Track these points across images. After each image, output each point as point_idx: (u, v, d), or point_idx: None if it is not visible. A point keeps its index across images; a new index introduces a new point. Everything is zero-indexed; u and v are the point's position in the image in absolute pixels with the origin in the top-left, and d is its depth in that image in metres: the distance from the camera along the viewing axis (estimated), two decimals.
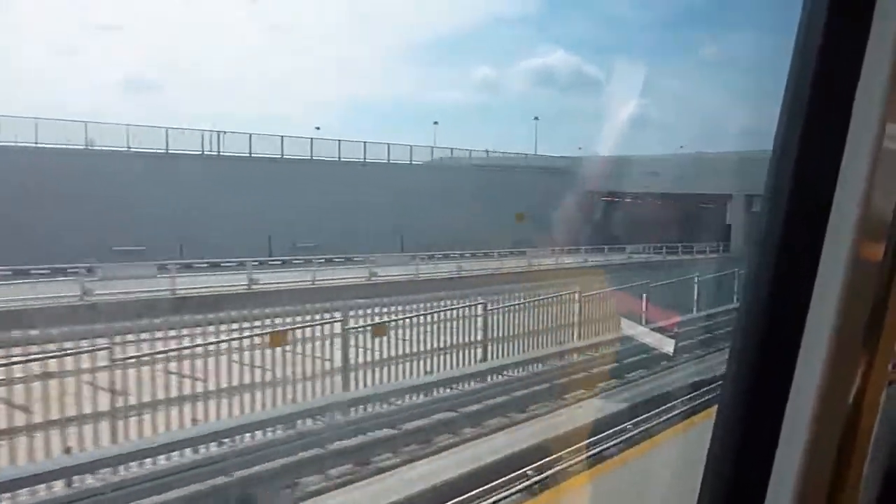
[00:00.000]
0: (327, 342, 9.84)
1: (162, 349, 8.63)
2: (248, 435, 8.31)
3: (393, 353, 10.63)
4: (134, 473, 7.14)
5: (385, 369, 10.44)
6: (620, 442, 9.61)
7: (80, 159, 29.39)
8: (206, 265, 28.23)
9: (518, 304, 13.24)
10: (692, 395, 11.12)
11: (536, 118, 49.96)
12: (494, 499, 7.11)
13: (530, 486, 7.74)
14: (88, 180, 28.13)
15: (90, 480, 6.85)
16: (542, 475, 7.84)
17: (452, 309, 12.15)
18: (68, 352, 7.73)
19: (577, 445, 9.20)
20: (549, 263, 30.87)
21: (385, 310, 12.86)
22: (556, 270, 27.77)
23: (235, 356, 9.08)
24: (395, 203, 35.31)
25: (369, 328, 10.21)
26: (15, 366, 7.47)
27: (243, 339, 9.21)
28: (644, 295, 16.11)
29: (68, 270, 21.60)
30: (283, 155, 36.34)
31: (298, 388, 9.25)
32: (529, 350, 12.95)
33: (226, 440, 7.97)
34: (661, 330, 14.85)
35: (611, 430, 9.92)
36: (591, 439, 9.57)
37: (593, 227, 39.47)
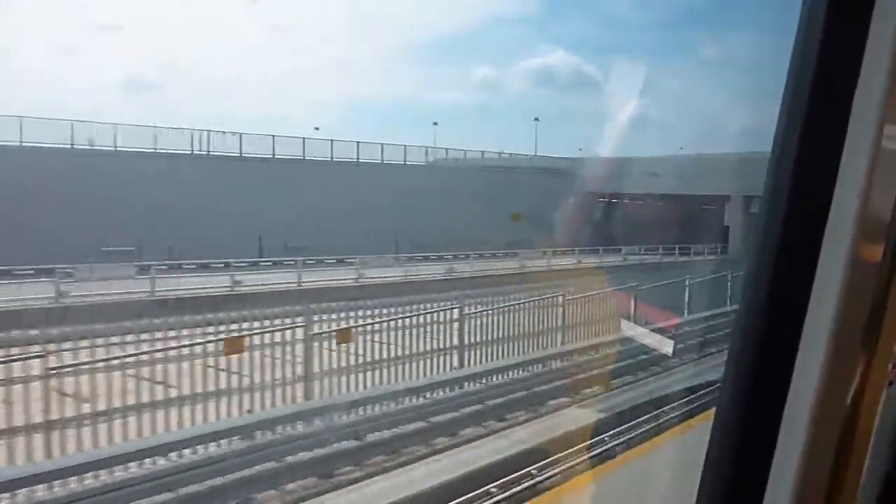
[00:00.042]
0: (291, 348, 9.35)
1: (104, 357, 8.14)
2: (201, 447, 7.84)
3: (362, 359, 10.13)
4: (70, 490, 6.68)
5: (352, 377, 9.93)
6: (600, 454, 9.25)
7: (66, 159, 28.97)
8: (195, 266, 27.84)
9: (498, 307, 12.74)
10: (678, 403, 10.69)
11: (536, 119, 49.68)
12: None
13: (508, 497, 7.41)
14: (75, 180, 27.74)
15: (19, 499, 6.39)
16: (518, 487, 7.57)
17: (428, 313, 11.66)
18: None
19: (554, 457, 8.89)
20: (542, 265, 30.46)
21: (362, 313, 12.45)
22: (548, 272, 27.35)
23: (189, 363, 8.60)
24: (388, 204, 35.02)
25: (335, 334, 9.71)
26: None
27: (196, 346, 8.71)
28: (632, 298, 15.64)
29: (51, 271, 21.25)
30: (274, 155, 35.90)
31: (256, 397, 8.77)
32: (509, 356, 12.45)
33: (172, 454, 7.49)
34: (648, 335, 14.41)
35: (591, 441, 9.54)
36: (570, 450, 9.19)
37: (590, 228, 39.16)
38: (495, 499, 7.47)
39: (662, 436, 9.02)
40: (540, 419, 10.70)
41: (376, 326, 11.15)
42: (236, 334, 8.70)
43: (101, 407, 7.81)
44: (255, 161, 34.68)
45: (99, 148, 31.05)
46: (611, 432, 9.80)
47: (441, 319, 11.91)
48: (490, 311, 12.84)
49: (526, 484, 7.89)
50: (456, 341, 11.83)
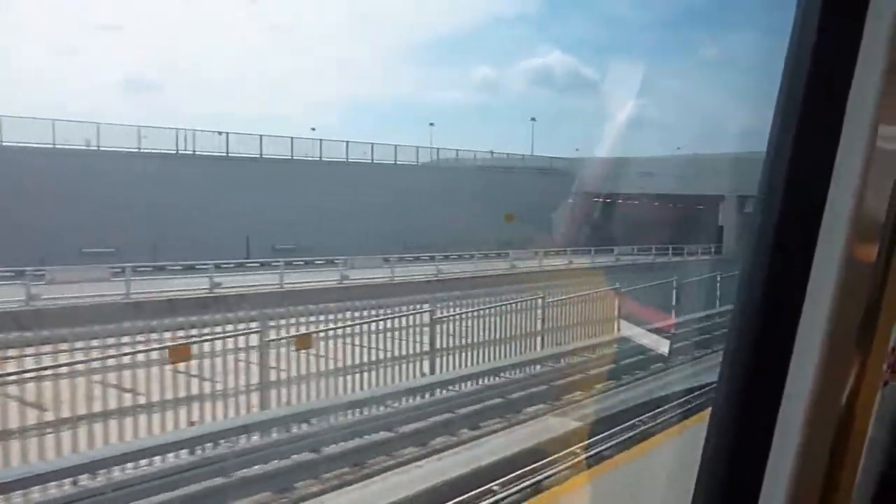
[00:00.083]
0: (246, 355, 8.87)
1: (53, 363, 7.69)
2: (145, 461, 7.38)
3: (325, 366, 9.65)
4: None
5: (312, 386, 9.43)
6: (580, 462, 8.83)
7: (46, 158, 28.47)
8: (180, 268, 27.42)
9: (475, 310, 12.27)
10: (658, 410, 10.26)
11: (533, 119, 49.40)
12: None
13: None
14: (57, 180, 27.25)
15: None
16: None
17: (401, 316, 11.19)
18: None
19: (529, 467, 8.47)
20: (533, 266, 30.03)
21: (334, 316, 12.00)
22: (538, 273, 26.90)
23: (140, 371, 8.14)
24: (379, 204, 34.64)
25: (292, 340, 9.23)
26: None
27: (148, 352, 8.25)
28: (617, 300, 15.20)
29: (25, 273, 20.77)
30: (262, 155, 35.42)
31: (207, 407, 8.30)
32: (484, 361, 11.98)
33: (113, 468, 7.03)
34: (632, 339, 13.98)
35: (565, 451, 9.11)
36: (545, 460, 8.77)
37: (583, 229, 38.91)
38: None
39: (652, 440, 8.83)
40: (514, 428, 10.29)
41: (348, 330, 10.70)
42: (184, 341, 8.20)
43: (49, 417, 7.39)
44: (243, 161, 34.21)
45: (82, 147, 30.55)
46: (588, 441, 9.42)
47: (415, 323, 11.45)
48: (467, 315, 12.39)
49: (493, 499, 7.49)
50: (428, 346, 11.37)
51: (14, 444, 7.09)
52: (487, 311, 12.88)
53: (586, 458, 9.07)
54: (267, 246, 32.33)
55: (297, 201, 33.30)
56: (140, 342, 8.94)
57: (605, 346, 13.65)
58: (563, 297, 14.09)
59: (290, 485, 8.00)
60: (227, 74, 54.92)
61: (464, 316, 12.33)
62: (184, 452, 7.66)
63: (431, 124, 50.83)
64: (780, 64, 0.96)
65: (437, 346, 11.22)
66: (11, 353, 8.13)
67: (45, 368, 7.35)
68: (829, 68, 0.90)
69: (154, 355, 8.14)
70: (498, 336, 12.56)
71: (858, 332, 0.93)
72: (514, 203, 38.22)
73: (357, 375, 10.09)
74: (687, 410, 10.02)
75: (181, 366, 8.12)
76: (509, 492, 7.45)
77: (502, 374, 11.42)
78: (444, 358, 11.38)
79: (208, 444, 7.64)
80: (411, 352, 10.88)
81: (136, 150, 31.68)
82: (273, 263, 28.85)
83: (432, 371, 11.01)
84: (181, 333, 9.58)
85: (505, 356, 12.37)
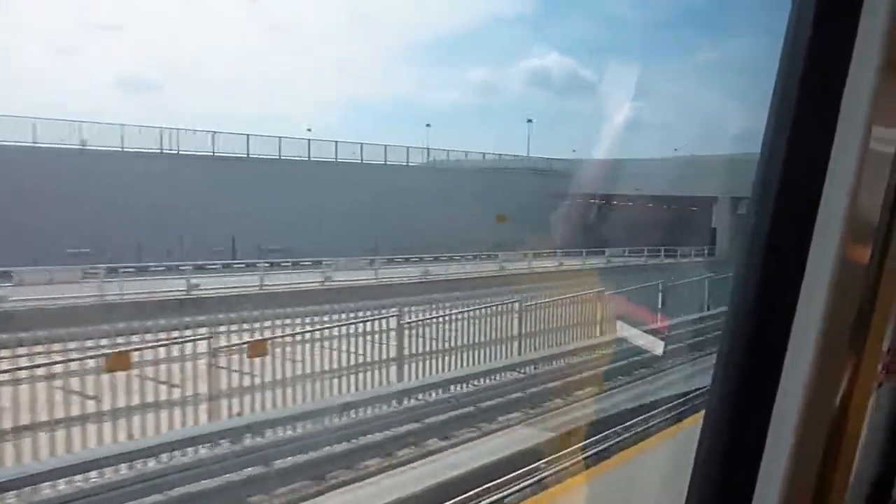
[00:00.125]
0: (193, 364, 8.35)
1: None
2: (78, 477, 6.89)
3: (280, 374, 9.13)
4: None
5: (269, 394, 8.92)
6: (551, 477, 8.36)
7: (28, 157, 27.95)
8: (162, 268, 26.96)
9: (444, 315, 11.78)
10: (634, 423, 9.78)
11: (530, 120, 49.13)
12: None
13: None
14: (39, 178, 26.71)
15: None
16: None
17: (367, 321, 10.69)
18: None
19: (502, 478, 8.02)
20: (522, 267, 29.57)
21: (302, 321, 11.56)
22: (526, 275, 26.46)
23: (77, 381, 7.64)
24: (368, 204, 34.20)
25: (245, 346, 8.71)
26: None
27: (88, 360, 7.74)
28: (599, 304, 14.73)
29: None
30: (248, 154, 34.91)
31: (149, 419, 7.80)
32: (457, 368, 11.47)
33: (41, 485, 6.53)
34: (612, 344, 13.51)
35: (537, 463, 8.65)
36: (514, 473, 8.31)
37: (576, 230, 38.56)
38: None
39: (643, 444, 8.57)
40: (485, 438, 9.82)
41: (314, 335, 10.21)
42: (122, 350, 7.70)
43: None
44: (229, 160, 33.66)
45: (66, 146, 30.01)
46: (561, 453, 8.96)
47: (383, 328, 10.96)
48: (440, 319, 11.91)
49: None
50: (406, 352, 10.86)
51: None
52: (462, 315, 12.41)
53: (562, 469, 8.69)
54: (253, 246, 31.91)
55: (285, 201, 32.83)
56: (89, 348, 8.49)
57: (585, 350, 13.15)
58: (543, 300, 13.60)
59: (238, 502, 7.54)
60: (226, 74, 54.67)
61: (438, 320, 11.84)
62: (123, 467, 7.19)
63: (428, 125, 50.69)
64: (776, 64, 0.95)
65: (406, 352, 10.71)
66: None
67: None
68: (824, 68, 0.90)
69: (92, 363, 7.63)
70: (472, 341, 12.06)
71: (852, 332, 0.93)
72: (508, 204, 37.82)
73: (317, 384, 9.57)
74: (669, 420, 9.59)
75: (123, 374, 7.61)
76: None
77: (473, 382, 10.91)
78: (413, 365, 10.86)
79: (148, 459, 7.13)
80: (377, 358, 10.37)
81: (119, 149, 31.11)
82: (259, 264, 28.59)
83: (399, 379, 10.49)
84: (144, 337, 9.13)
85: (478, 362, 11.85)
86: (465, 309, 12.49)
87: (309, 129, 39.47)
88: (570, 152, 48.45)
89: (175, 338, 8.55)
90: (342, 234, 31.49)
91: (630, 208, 43.04)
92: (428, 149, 43.93)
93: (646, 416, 10.22)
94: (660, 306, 16.28)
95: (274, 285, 22.36)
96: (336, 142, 38.53)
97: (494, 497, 7.15)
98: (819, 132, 0.89)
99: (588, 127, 55.34)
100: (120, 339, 9.24)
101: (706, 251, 38.76)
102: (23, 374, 7.13)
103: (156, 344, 8.24)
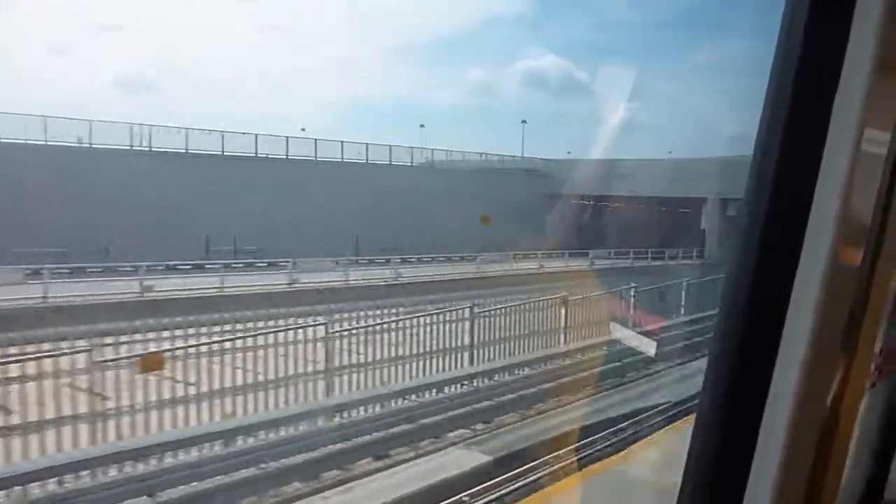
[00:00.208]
0: (72, 379, 7.38)
1: None
2: None
3: (182, 392, 8.16)
4: None
5: (159, 415, 7.88)
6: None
7: None
8: (130, 269, 26.00)
9: (386, 322, 10.83)
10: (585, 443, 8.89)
11: (524, 121, 48.54)
12: None
13: None
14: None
15: None
16: None
17: (293, 329, 9.74)
18: None
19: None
20: (500, 269, 28.64)
21: (234, 328, 10.62)
22: (503, 277, 25.47)
23: None
24: (350, 203, 33.36)
25: (136, 360, 7.72)
26: None
27: None
28: (564, 310, 13.80)
29: None
30: (223, 151, 33.93)
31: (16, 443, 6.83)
32: (399, 381, 10.50)
33: None
34: (573, 353, 12.62)
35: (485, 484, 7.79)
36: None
37: (565, 231, 37.97)
38: None
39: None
40: (421, 459, 8.90)
41: (232, 345, 9.27)
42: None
43: None
44: (202, 158, 32.67)
45: (31, 142, 29.04)
46: (503, 477, 8.09)
47: (314, 336, 10.01)
48: (383, 327, 10.97)
49: None
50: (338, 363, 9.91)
51: None
52: (412, 322, 11.49)
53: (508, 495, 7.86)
54: (228, 247, 31.02)
55: (262, 201, 31.96)
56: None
57: (545, 360, 12.24)
58: (499, 306, 12.67)
59: None
60: (227, 74, 54.69)
61: (379, 328, 10.90)
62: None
63: (422, 125, 50.27)
64: (769, 66, 0.95)
65: (336, 364, 9.75)
66: None
67: None
68: (817, 70, 0.90)
69: None
70: (418, 351, 11.12)
71: (844, 333, 0.93)
72: (497, 205, 37.02)
73: (227, 400, 8.59)
74: (624, 442, 8.75)
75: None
76: None
77: (412, 396, 9.97)
78: (345, 378, 9.88)
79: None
80: (301, 371, 9.41)
81: (87, 145, 30.15)
82: (233, 265, 27.68)
83: (328, 394, 9.53)
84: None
85: (420, 375, 10.90)
86: (414, 315, 11.55)
87: (303, 129, 38.95)
88: (565, 153, 48.02)
89: (49, 351, 7.56)
90: (322, 234, 30.62)
91: (621, 209, 42.40)
92: (413, 148, 43.02)
93: (606, 433, 9.40)
94: (631, 312, 15.34)
95: (234, 287, 21.41)
96: (315, 139, 37.70)
97: None
98: (811, 134, 0.89)
99: (583, 128, 55.19)
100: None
101: (695, 253, 37.98)
102: None
103: (31, 357, 7.24)
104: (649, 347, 11.98)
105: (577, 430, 9.46)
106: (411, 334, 11.18)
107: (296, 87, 58.48)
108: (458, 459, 8.56)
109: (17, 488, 6.12)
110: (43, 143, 29.11)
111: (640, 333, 13.38)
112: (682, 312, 17.01)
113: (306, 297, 18.87)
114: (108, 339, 8.88)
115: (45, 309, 16.69)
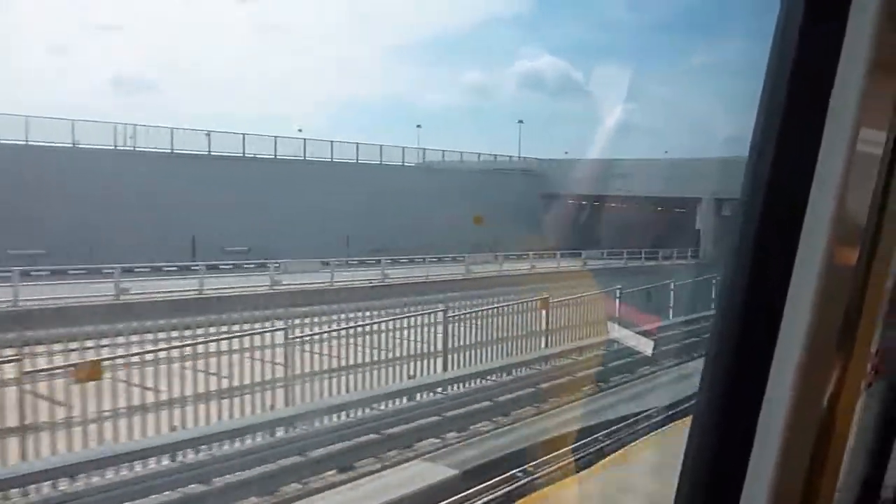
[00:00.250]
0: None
1: None
2: None
3: (120, 403, 7.63)
4: None
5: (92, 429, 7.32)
6: None
7: None
8: (112, 270, 25.50)
9: (353, 327, 10.33)
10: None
11: (521, 121, 48.23)
12: None
13: None
14: None
15: None
16: None
17: (250, 334, 9.25)
18: None
19: None
20: (490, 271, 28.19)
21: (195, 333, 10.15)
22: (492, 278, 25.02)
23: None
24: (341, 203, 32.94)
25: (72, 369, 7.20)
26: None
27: None
28: (545, 313, 13.33)
29: None
30: (210, 151, 33.44)
31: None
32: (359, 389, 10.00)
33: None
34: (550, 358, 12.13)
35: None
36: None
37: (559, 232, 37.61)
38: None
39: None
40: (387, 471, 8.43)
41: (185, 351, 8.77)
42: None
43: None
44: (187, 158, 32.17)
45: (10, 142, 28.53)
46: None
47: (271, 342, 9.52)
48: (350, 332, 10.48)
49: None
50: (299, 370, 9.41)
51: None
52: (386, 325, 11.00)
53: None
54: (217, 248, 30.54)
55: (251, 201, 31.52)
56: None
57: (523, 365, 11.75)
58: (478, 308, 12.20)
59: None
60: (225, 74, 55.41)
61: (347, 332, 10.41)
62: None
63: (419, 126, 50.24)
64: (764, 67, 0.95)
65: (298, 371, 9.24)
66: None
67: None
68: (811, 71, 0.90)
69: None
70: (390, 357, 10.64)
71: (840, 334, 0.92)
72: (492, 205, 36.70)
73: (181, 410, 8.10)
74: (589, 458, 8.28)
75: None
76: None
77: (378, 406, 9.46)
78: (307, 386, 9.37)
79: None
80: (259, 380, 8.90)
81: (70, 145, 29.66)
82: (220, 266, 27.23)
83: (287, 403, 9.02)
84: None
85: (390, 382, 10.40)
86: (386, 319, 11.07)
87: (300, 130, 38.60)
88: (562, 154, 47.81)
89: None
90: (313, 235, 30.23)
91: (617, 209, 42.13)
92: (404, 147, 42.58)
93: (582, 442, 8.93)
94: (616, 314, 14.87)
95: (214, 290, 20.90)
96: (304, 139, 37.30)
97: None
98: (806, 135, 0.89)
99: (580, 128, 55.16)
100: None
101: (689, 253, 37.54)
102: None
103: None
104: (636, 348, 11.54)
105: (554, 440, 8.99)
106: (388, 338, 10.70)
107: (295, 87, 59.33)
108: (422, 473, 8.08)
109: None
110: (24, 143, 28.55)
111: (624, 336, 12.89)
112: (671, 315, 16.54)
113: (286, 300, 18.38)
114: (58, 346, 8.40)
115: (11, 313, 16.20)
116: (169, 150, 32.27)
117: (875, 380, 1.07)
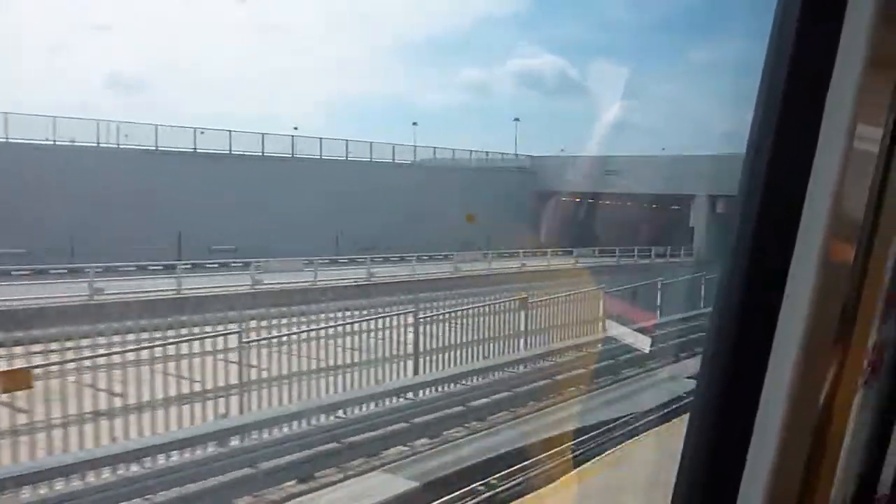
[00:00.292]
0: None
1: None
2: None
3: (54, 413, 7.12)
4: None
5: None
6: None
7: None
8: (101, 269, 25.06)
9: (308, 330, 9.83)
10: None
11: (517, 119, 47.87)
12: None
13: None
14: None
15: None
16: None
17: (203, 338, 8.76)
18: None
19: None
20: (479, 269, 27.75)
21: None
22: (481, 276, 24.59)
23: None
24: (331, 201, 32.49)
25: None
26: None
27: None
28: (524, 313, 12.86)
29: None
30: (196, 149, 32.92)
31: None
32: (322, 394, 9.51)
33: None
34: (526, 361, 11.68)
35: None
36: None
37: (552, 229, 37.16)
38: None
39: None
40: (350, 481, 7.98)
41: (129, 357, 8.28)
42: None
43: None
44: (173, 155, 31.66)
45: None
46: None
47: (224, 346, 9.04)
48: (317, 334, 10.01)
49: None
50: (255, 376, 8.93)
51: None
52: (356, 327, 10.53)
53: None
54: (203, 246, 30.06)
55: (238, 199, 31.05)
56: None
57: (499, 368, 11.29)
58: (453, 309, 11.73)
59: None
60: (225, 74, 54.65)
61: (313, 335, 9.93)
62: None
63: (414, 123, 49.75)
64: (759, 65, 0.95)
65: (254, 377, 8.77)
66: None
67: None
68: (809, 69, 0.91)
69: None
70: (358, 360, 10.17)
71: (837, 331, 0.92)
72: (485, 203, 36.30)
73: (123, 419, 7.61)
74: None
75: None
76: None
77: (339, 413, 8.99)
78: (263, 392, 8.87)
79: None
80: (211, 386, 8.41)
81: (51, 142, 29.15)
82: (207, 265, 26.79)
83: (242, 411, 8.54)
84: None
85: (357, 386, 9.92)
86: (354, 321, 10.60)
87: (295, 128, 38.17)
88: (559, 151, 47.44)
89: None
90: (308, 233, 29.86)
91: (611, 206, 41.81)
92: (394, 145, 42.04)
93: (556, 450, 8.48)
94: (600, 315, 14.40)
95: (192, 290, 20.42)
96: (293, 136, 36.77)
97: None
98: (803, 133, 0.90)
99: (577, 126, 54.96)
100: None
101: (683, 251, 37.11)
102: None
103: None
104: (619, 351, 11.08)
105: (527, 448, 8.55)
106: (357, 340, 10.24)
107: (295, 87, 58.75)
108: (382, 485, 7.62)
109: None
110: (3, 140, 28.03)
111: (606, 338, 12.44)
112: (658, 315, 16.08)
113: (266, 300, 17.92)
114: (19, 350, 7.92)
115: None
116: (153, 148, 31.74)
117: (872, 378, 1.07)
